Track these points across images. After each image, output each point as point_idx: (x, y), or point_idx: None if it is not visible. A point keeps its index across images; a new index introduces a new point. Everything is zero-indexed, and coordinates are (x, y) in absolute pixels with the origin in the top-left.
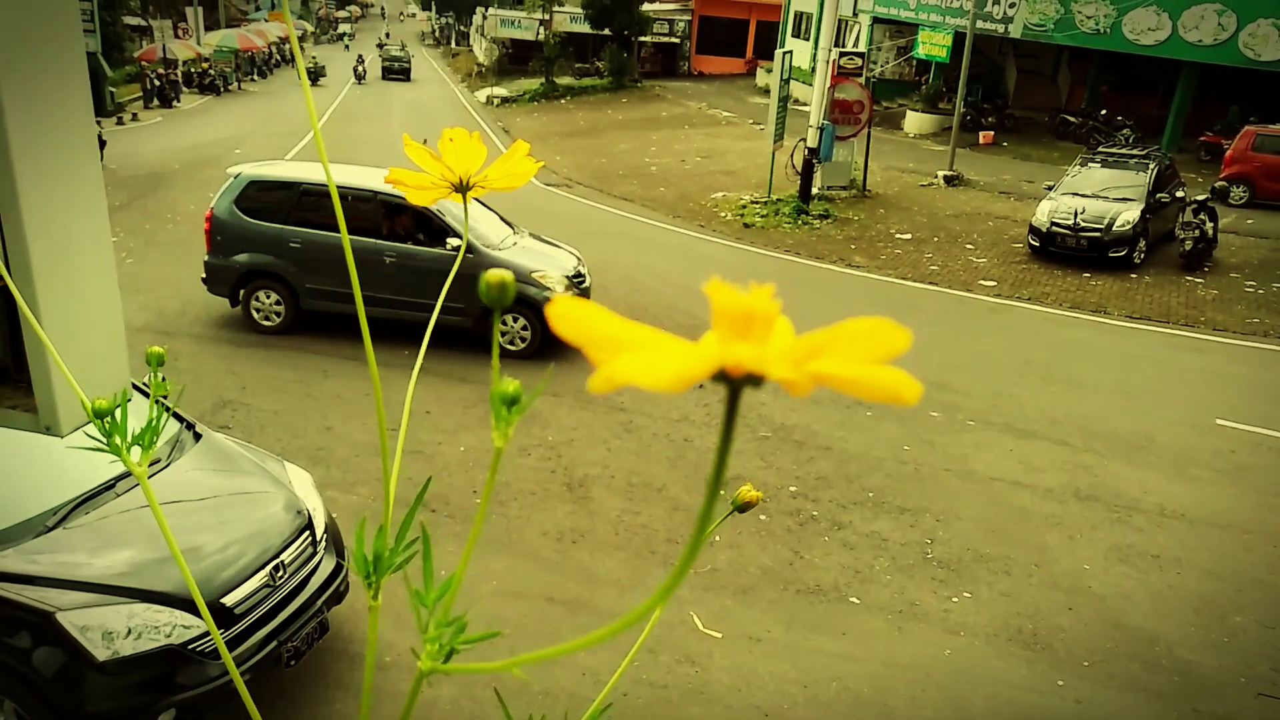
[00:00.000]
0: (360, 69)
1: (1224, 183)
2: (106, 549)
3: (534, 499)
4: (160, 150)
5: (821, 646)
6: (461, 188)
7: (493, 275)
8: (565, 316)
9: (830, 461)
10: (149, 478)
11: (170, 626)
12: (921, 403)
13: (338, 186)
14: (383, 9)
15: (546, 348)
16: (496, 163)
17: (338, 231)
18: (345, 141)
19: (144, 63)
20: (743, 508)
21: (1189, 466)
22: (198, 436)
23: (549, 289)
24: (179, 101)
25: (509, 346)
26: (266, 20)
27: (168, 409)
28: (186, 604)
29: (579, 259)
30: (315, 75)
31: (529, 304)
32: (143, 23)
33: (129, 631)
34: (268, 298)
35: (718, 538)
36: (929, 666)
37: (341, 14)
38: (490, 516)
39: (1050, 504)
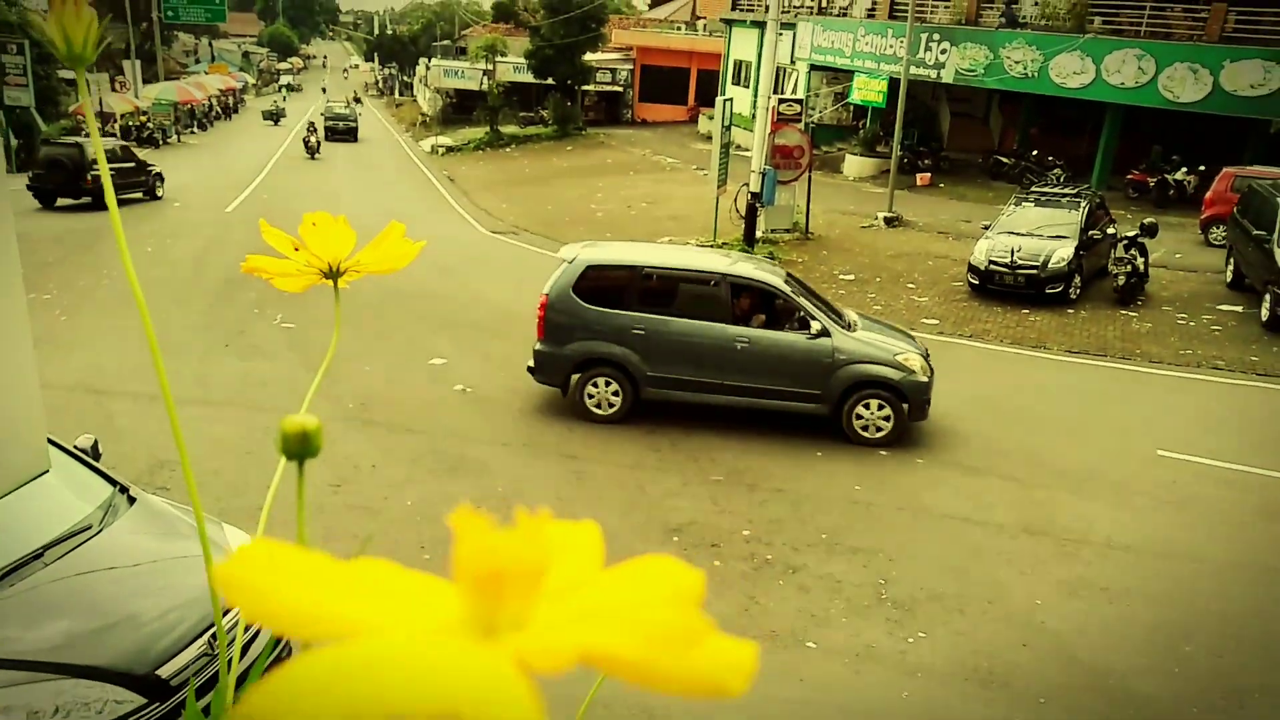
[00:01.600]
0: (312, 139)
1: (1154, 220)
2: (34, 622)
3: None
4: (94, 206)
5: (779, 693)
6: (332, 274)
7: (290, 426)
8: (238, 584)
9: (783, 503)
10: (79, 546)
11: (101, 703)
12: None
13: (681, 269)
14: (324, 59)
15: (908, 435)
16: (368, 246)
17: (684, 316)
18: (286, 193)
19: (79, 116)
20: None
21: (1133, 498)
22: (132, 500)
23: (912, 371)
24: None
25: (866, 434)
26: (206, 73)
27: (105, 475)
28: (120, 678)
29: (916, 339)
30: (276, 116)
31: (892, 388)
32: None
33: (56, 710)
34: (605, 386)
35: None
36: (888, 710)
37: (284, 65)
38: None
39: (1001, 540)
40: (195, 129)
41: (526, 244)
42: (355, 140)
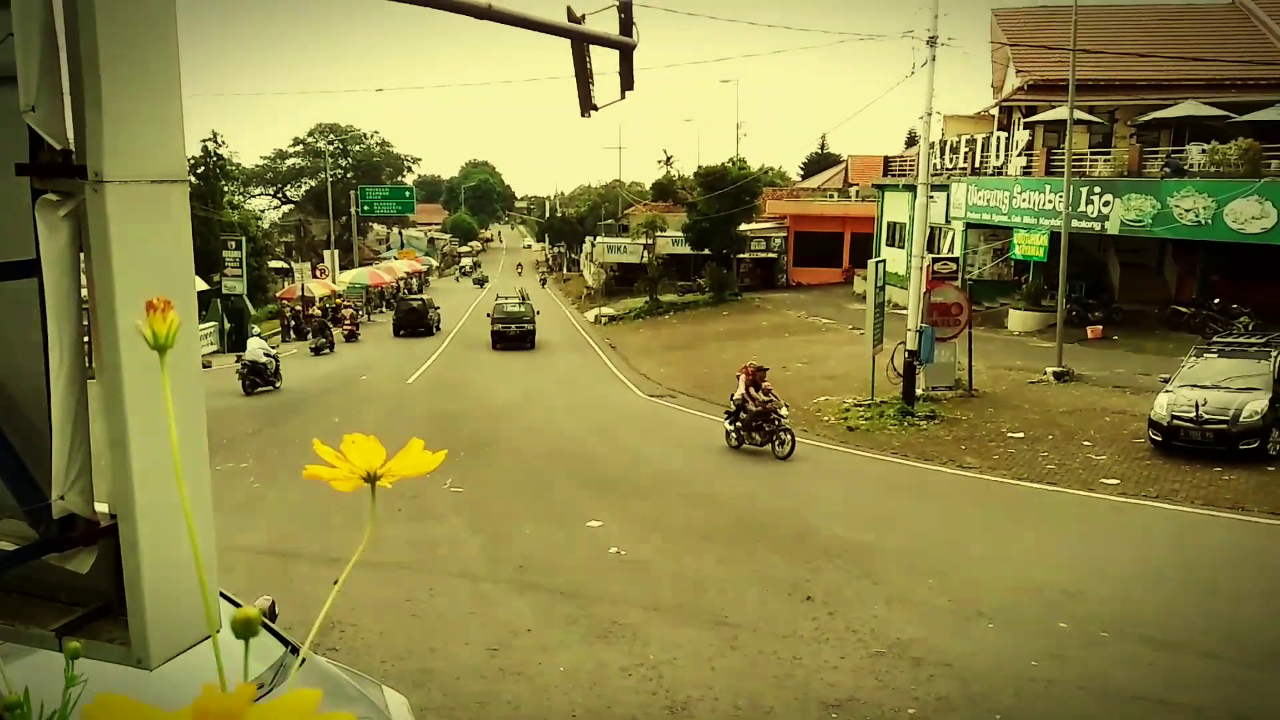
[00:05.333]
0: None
1: None
2: None
3: None
4: (294, 379)
5: None
6: (370, 479)
7: (239, 615)
8: None
9: (951, 680)
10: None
11: None
12: (1048, 612)
13: None
14: (500, 238)
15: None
16: (396, 457)
17: None
18: (461, 365)
19: (284, 301)
20: None
21: None
22: (303, 661)
23: None
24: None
25: None
26: (396, 258)
27: (279, 635)
28: None
29: None
30: (482, 281)
31: None
32: (285, 265)
33: None
34: None
35: None
36: None
37: (464, 249)
38: None
39: None
40: (384, 309)
41: (681, 406)
42: (531, 347)
